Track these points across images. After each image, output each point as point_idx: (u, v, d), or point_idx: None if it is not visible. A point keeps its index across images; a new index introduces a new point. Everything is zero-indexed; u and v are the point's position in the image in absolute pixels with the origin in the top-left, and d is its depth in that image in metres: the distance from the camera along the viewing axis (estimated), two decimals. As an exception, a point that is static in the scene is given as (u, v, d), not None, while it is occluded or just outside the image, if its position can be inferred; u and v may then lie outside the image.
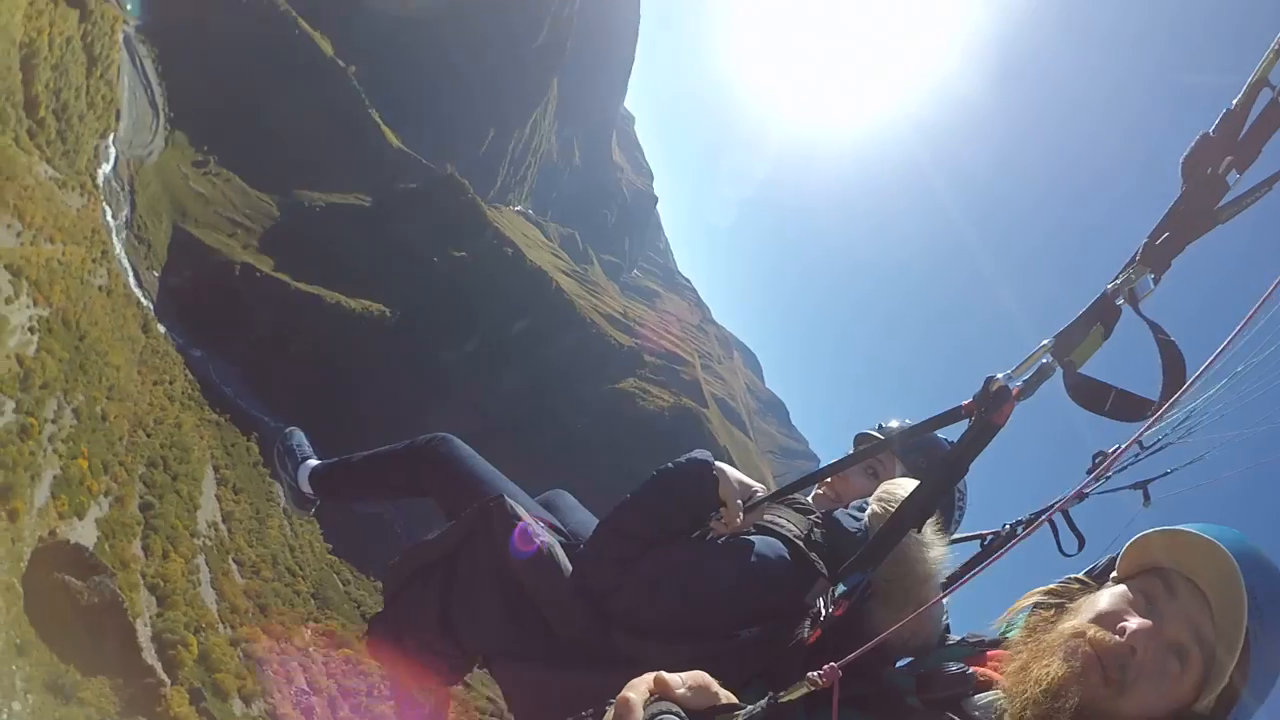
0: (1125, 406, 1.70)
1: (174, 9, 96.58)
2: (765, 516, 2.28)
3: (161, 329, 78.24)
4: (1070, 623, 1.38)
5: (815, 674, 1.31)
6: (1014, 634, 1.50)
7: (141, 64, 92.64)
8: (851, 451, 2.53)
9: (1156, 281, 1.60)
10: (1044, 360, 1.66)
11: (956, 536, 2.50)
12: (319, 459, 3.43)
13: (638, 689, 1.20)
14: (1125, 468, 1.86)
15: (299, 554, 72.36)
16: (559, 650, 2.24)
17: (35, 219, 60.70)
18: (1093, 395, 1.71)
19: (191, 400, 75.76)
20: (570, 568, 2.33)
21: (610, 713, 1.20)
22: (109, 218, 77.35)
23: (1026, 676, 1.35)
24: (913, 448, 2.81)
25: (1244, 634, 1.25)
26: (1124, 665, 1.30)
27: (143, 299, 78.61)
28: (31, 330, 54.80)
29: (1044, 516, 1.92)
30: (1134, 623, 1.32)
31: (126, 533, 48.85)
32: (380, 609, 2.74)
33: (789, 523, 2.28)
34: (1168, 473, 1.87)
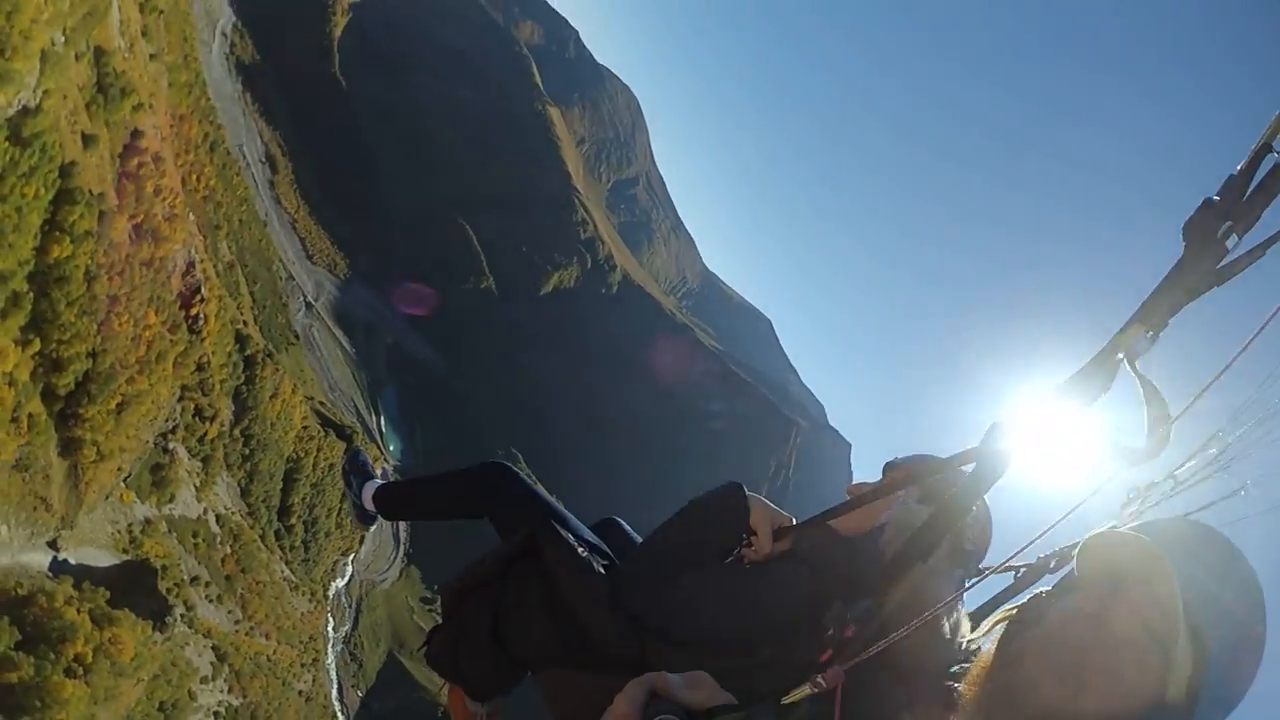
0: (1118, 453, 1.76)
1: (427, 461, 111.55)
2: (790, 545, 2.49)
3: (350, 750, 75.43)
4: (1028, 633, 1.41)
5: (819, 676, 1.36)
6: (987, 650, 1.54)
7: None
8: (880, 478, 2.67)
9: (1153, 340, 1.66)
10: None
11: (992, 567, 2.50)
12: (384, 479, 3.66)
13: (632, 694, 1.22)
14: (1157, 504, 1.86)
15: None
16: (597, 658, 2.43)
17: (258, 613, 64.64)
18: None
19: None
20: (610, 584, 2.54)
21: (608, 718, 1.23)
22: (330, 629, 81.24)
23: (983, 683, 1.41)
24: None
25: (1181, 619, 1.26)
26: (1078, 667, 1.32)
27: (340, 714, 77.75)
28: (216, 715, 54.64)
29: (1077, 553, 1.94)
30: (1082, 626, 1.35)
31: None
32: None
33: (812, 550, 2.44)
34: (1203, 508, 1.79)
